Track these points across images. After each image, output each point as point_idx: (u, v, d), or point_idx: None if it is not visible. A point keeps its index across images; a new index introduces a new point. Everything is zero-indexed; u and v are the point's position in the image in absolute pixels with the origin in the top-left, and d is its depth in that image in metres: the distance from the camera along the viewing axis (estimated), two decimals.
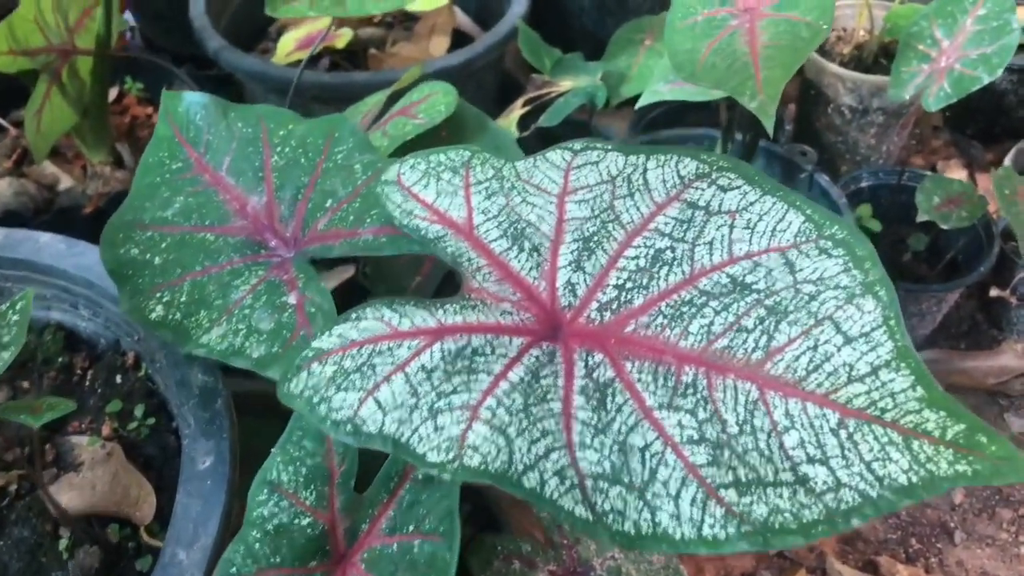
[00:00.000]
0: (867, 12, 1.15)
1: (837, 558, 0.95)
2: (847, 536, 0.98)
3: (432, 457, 0.36)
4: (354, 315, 0.41)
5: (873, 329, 0.37)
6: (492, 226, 0.45)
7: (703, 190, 0.43)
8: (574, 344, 0.41)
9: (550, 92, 0.93)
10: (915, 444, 0.34)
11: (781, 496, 0.34)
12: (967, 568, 0.95)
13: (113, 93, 1.17)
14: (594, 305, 0.42)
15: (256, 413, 0.67)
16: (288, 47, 1.15)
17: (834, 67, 1.12)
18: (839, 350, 0.37)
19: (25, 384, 0.69)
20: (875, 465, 0.34)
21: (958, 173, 1.31)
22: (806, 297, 0.38)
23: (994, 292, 1.04)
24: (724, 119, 0.85)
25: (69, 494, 0.63)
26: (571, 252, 0.44)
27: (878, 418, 0.35)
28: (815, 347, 0.37)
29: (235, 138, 0.58)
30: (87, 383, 0.69)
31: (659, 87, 0.77)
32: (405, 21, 1.25)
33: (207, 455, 0.56)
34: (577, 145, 0.47)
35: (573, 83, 0.94)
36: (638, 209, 0.44)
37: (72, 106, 1.01)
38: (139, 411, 0.66)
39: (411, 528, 0.47)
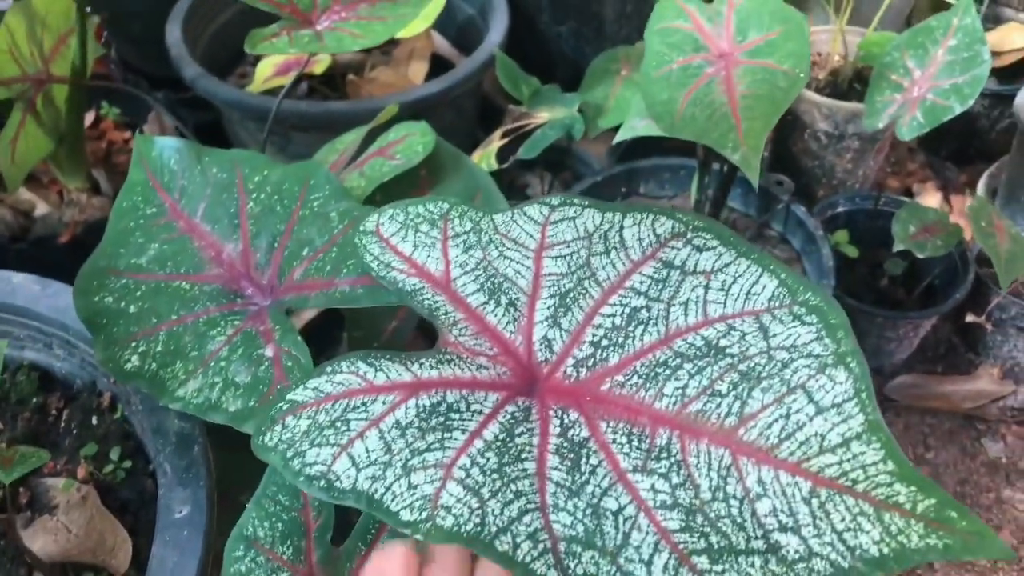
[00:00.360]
0: (841, 38, 1.16)
1: None
2: None
3: (406, 516, 0.35)
4: (329, 368, 0.40)
5: (844, 400, 0.37)
6: (469, 280, 0.45)
7: (679, 249, 0.43)
8: (550, 400, 0.40)
9: (528, 124, 0.94)
10: (886, 516, 0.34)
11: (753, 565, 0.34)
12: None
13: (89, 118, 1.16)
14: (570, 361, 0.42)
15: (234, 445, 0.66)
16: (266, 72, 1.15)
17: (810, 94, 1.13)
18: (811, 419, 0.37)
19: None
20: (847, 535, 0.34)
21: (933, 195, 1.33)
22: (779, 364, 0.38)
23: (970, 318, 1.05)
24: (700, 152, 0.85)
25: (44, 539, 0.62)
26: (548, 308, 0.43)
27: (850, 488, 0.35)
28: (787, 415, 0.37)
29: (210, 184, 0.58)
30: (62, 424, 0.68)
31: (635, 123, 0.78)
32: (384, 46, 1.25)
33: (183, 504, 0.56)
34: (555, 200, 0.47)
35: (550, 115, 0.94)
36: (614, 267, 0.44)
37: (47, 134, 1.00)
38: (115, 454, 0.65)
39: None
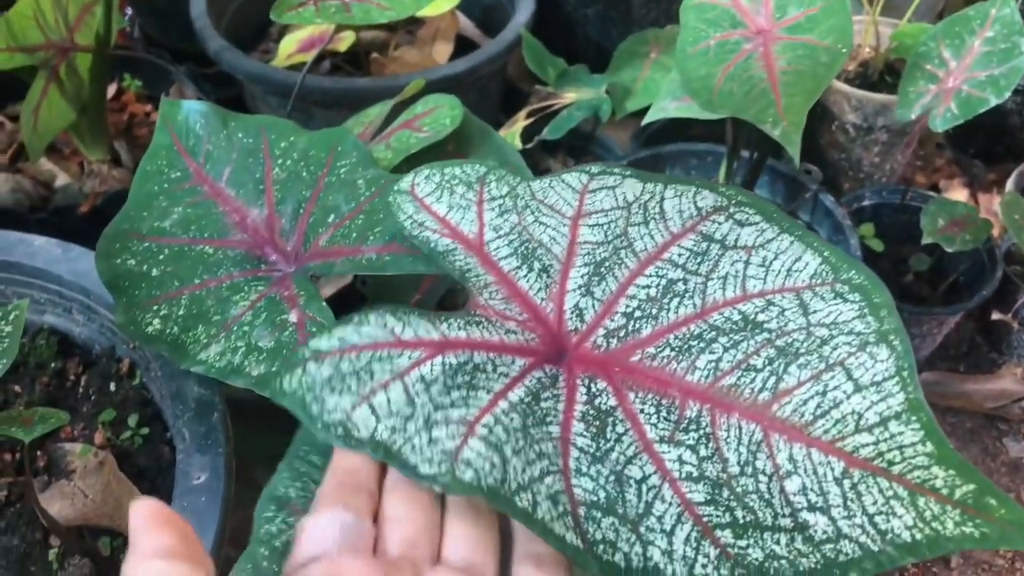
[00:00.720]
0: (873, 29, 1.15)
1: None
2: None
3: (424, 469, 0.35)
4: (356, 319, 0.39)
5: (885, 379, 0.36)
6: (503, 244, 0.44)
7: (720, 223, 0.42)
8: (578, 369, 0.40)
9: (554, 104, 0.92)
10: (921, 501, 0.33)
11: (778, 542, 0.33)
12: None
13: (111, 90, 1.15)
14: (601, 331, 0.41)
15: (249, 422, 0.66)
16: (290, 48, 1.14)
17: (840, 84, 1.11)
18: (848, 397, 0.36)
19: (17, 388, 0.68)
20: (878, 519, 0.33)
21: (960, 192, 1.31)
22: (818, 340, 0.37)
23: (996, 315, 1.03)
24: (730, 137, 0.84)
25: (60, 503, 0.62)
26: (581, 276, 0.43)
27: (884, 470, 0.34)
28: (824, 392, 0.36)
29: (235, 148, 0.57)
30: (80, 389, 0.68)
31: (665, 103, 0.76)
32: (408, 25, 1.24)
33: (202, 470, 0.55)
34: (594, 169, 0.46)
35: (577, 95, 0.93)
36: (652, 238, 0.43)
37: (70, 103, 1.00)
38: (133, 420, 0.65)
39: None
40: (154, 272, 0.53)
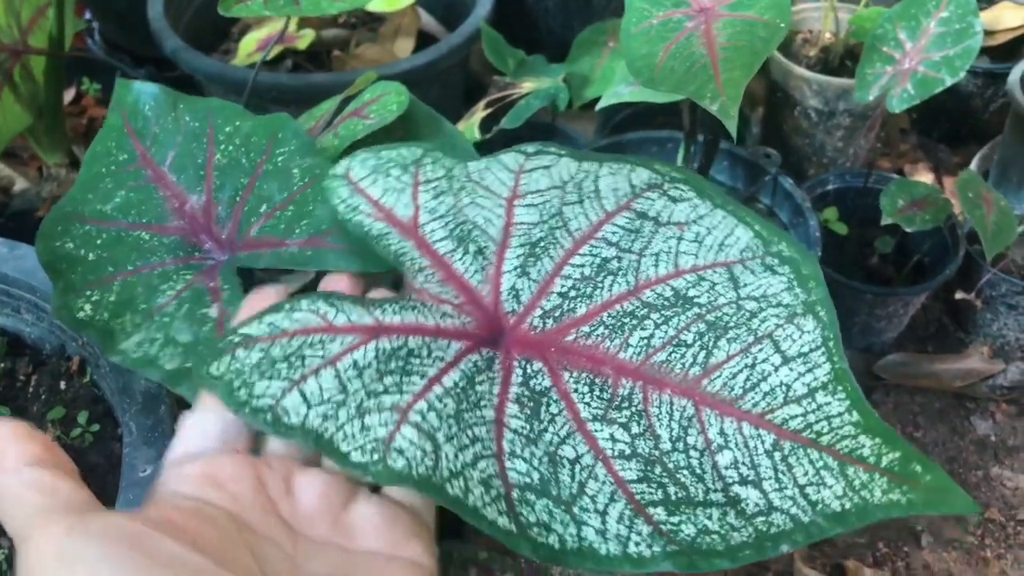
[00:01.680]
0: (832, 15, 1.15)
1: (804, 562, 0.94)
2: None
3: (356, 457, 0.34)
4: (287, 305, 0.38)
5: (812, 350, 0.36)
6: (438, 226, 0.43)
7: (654, 200, 0.42)
8: (515, 351, 0.39)
9: (512, 94, 0.92)
10: (850, 470, 0.33)
11: (711, 517, 0.33)
12: (934, 572, 0.94)
13: (71, 94, 1.15)
14: (537, 312, 0.40)
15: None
16: (250, 47, 1.13)
17: (800, 70, 1.12)
18: (776, 370, 0.36)
19: None
20: (809, 490, 0.33)
21: (925, 176, 1.31)
22: (747, 314, 0.37)
23: (959, 295, 1.04)
24: (687, 121, 0.84)
25: None
26: (517, 257, 0.42)
27: (813, 441, 0.34)
28: (753, 365, 0.36)
29: (181, 132, 0.56)
30: (30, 389, 0.67)
31: (620, 89, 0.76)
32: (369, 23, 1.24)
33: (148, 463, 0.55)
34: (531, 148, 0.46)
35: (535, 85, 0.93)
36: (587, 217, 0.42)
37: (26, 107, 0.99)
38: (83, 418, 0.64)
39: None
40: (91, 256, 0.52)
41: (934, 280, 1.00)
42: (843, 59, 1.17)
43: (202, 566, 0.28)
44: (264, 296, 0.40)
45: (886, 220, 0.93)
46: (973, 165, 1.23)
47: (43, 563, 0.27)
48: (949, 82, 0.90)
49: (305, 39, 1.13)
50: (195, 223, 0.53)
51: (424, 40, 1.21)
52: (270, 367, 0.36)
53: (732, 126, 0.50)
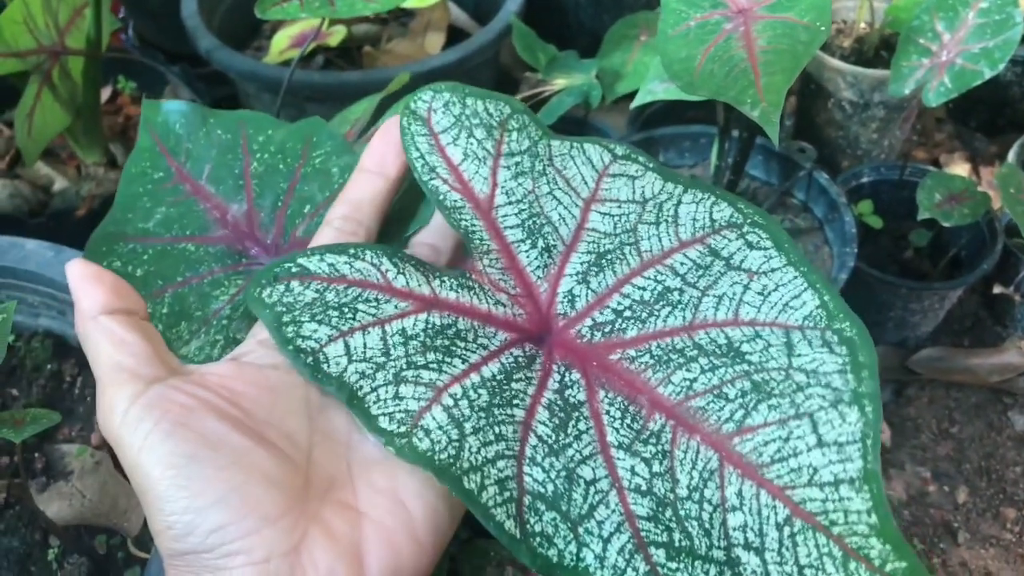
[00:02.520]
0: (868, 5, 1.14)
1: None
2: None
3: (383, 423, 0.34)
4: (352, 250, 0.39)
5: (849, 442, 0.35)
6: (512, 212, 0.43)
7: (730, 240, 0.41)
8: (557, 354, 0.39)
9: (544, 91, 0.92)
10: (852, 565, 0.33)
11: (707, 573, 0.33)
12: (971, 568, 0.94)
13: (106, 93, 1.16)
14: (588, 322, 0.40)
15: None
16: (282, 45, 1.14)
17: (834, 61, 1.11)
18: (809, 450, 0.35)
19: (14, 392, 0.69)
20: (807, 571, 0.33)
21: (961, 166, 1.30)
22: (795, 385, 0.37)
23: (998, 289, 1.02)
24: (721, 117, 0.83)
25: (58, 504, 0.62)
26: (581, 263, 0.42)
27: (825, 528, 0.34)
28: (787, 439, 0.36)
29: (214, 145, 0.57)
30: (76, 390, 0.68)
31: (653, 86, 0.76)
32: (400, 18, 1.24)
33: None
34: (618, 150, 0.45)
35: (567, 81, 0.92)
36: (660, 240, 0.42)
37: (64, 107, 1.00)
38: None
39: None
40: (138, 272, 0.53)
41: (971, 274, 0.99)
42: (878, 50, 1.15)
43: (241, 447, 0.31)
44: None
45: (923, 215, 0.92)
46: (1011, 155, 1.21)
47: (112, 420, 0.31)
48: (988, 75, 0.88)
49: (336, 36, 1.14)
50: (239, 231, 0.54)
51: (454, 34, 1.21)
52: (323, 311, 0.36)
53: (774, 133, 0.50)
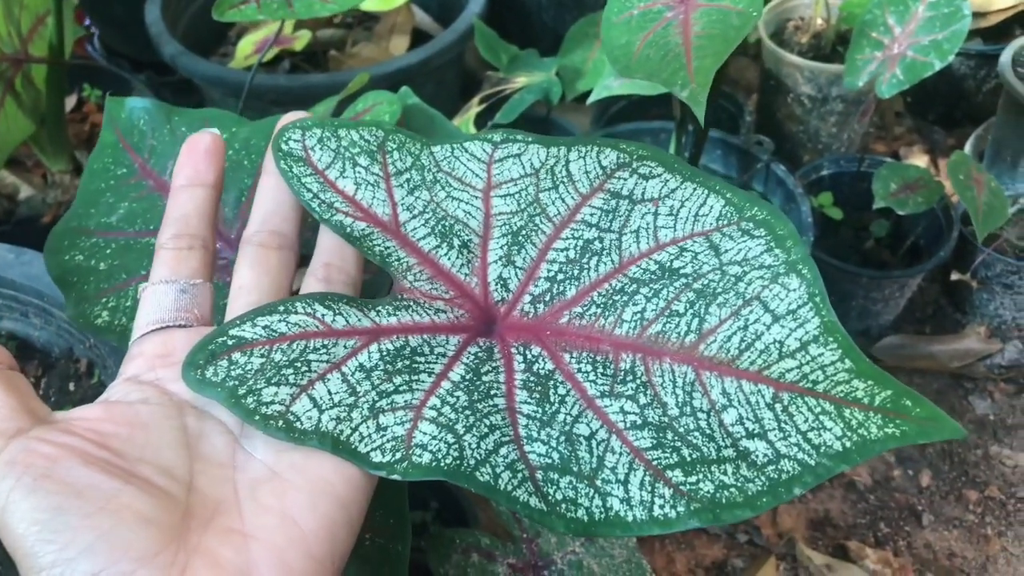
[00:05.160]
0: (824, 2, 1.16)
1: (806, 544, 0.96)
2: (816, 521, 0.99)
3: (377, 457, 0.35)
4: (281, 307, 0.39)
5: (800, 306, 0.38)
6: (419, 223, 0.44)
7: (625, 179, 0.43)
8: (510, 338, 0.40)
9: (506, 89, 0.93)
10: (846, 412, 0.35)
11: (726, 472, 0.35)
12: (935, 550, 0.96)
13: (72, 101, 1.16)
14: (527, 298, 0.42)
15: None
16: (247, 51, 1.15)
17: (792, 57, 1.13)
18: (768, 328, 0.37)
19: None
20: (811, 435, 0.35)
21: (920, 159, 1.32)
22: (733, 278, 0.39)
23: (955, 276, 1.05)
24: (677, 111, 0.85)
25: None
26: (500, 247, 0.43)
27: (810, 390, 0.36)
28: (745, 327, 0.38)
29: (179, 142, 0.58)
30: (40, 391, 0.68)
31: (609, 82, 0.77)
32: (365, 22, 1.25)
33: None
34: (497, 137, 0.46)
35: (528, 79, 0.94)
36: (564, 201, 0.43)
37: (28, 115, 1.00)
38: None
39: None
40: (101, 266, 0.54)
41: (928, 262, 1.01)
42: (835, 45, 1.18)
43: (109, 490, 0.30)
44: (176, 206, 0.43)
45: (878, 204, 0.95)
46: (967, 147, 1.24)
47: None
48: (938, 66, 0.91)
49: (301, 40, 1.14)
50: None
51: (419, 37, 1.22)
52: (276, 373, 0.36)
53: (700, 113, 0.52)
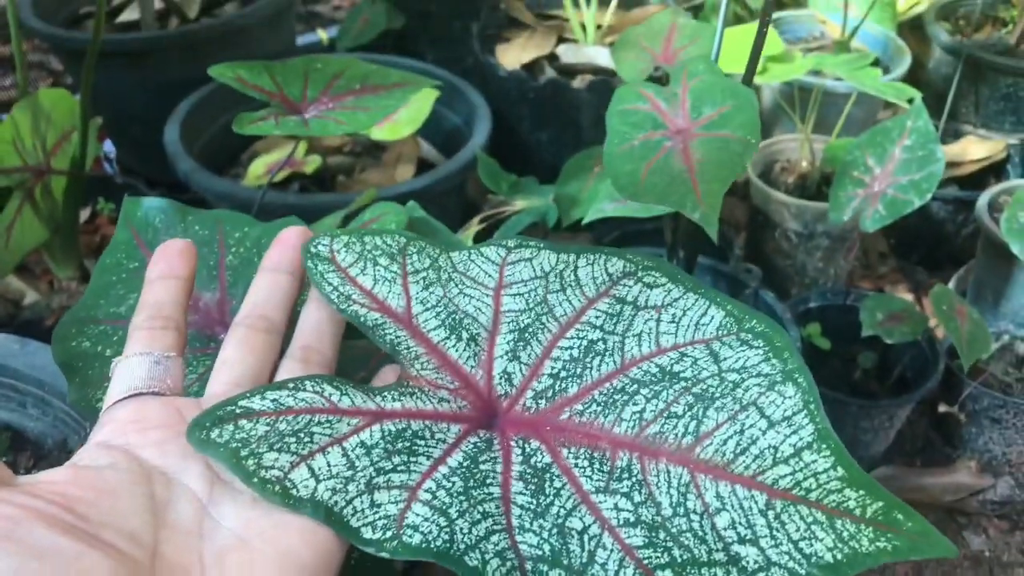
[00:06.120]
0: (808, 145, 1.23)
1: None
2: None
3: (367, 534, 0.35)
4: (291, 384, 0.40)
5: (795, 413, 0.38)
6: (430, 316, 0.46)
7: (630, 287, 0.45)
8: (510, 432, 0.41)
9: (505, 211, 0.98)
10: (838, 523, 0.35)
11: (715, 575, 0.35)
12: None
13: (86, 213, 1.21)
14: (530, 394, 0.43)
15: None
16: (259, 171, 1.20)
17: (780, 195, 1.18)
18: (764, 433, 0.38)
19: None
20: (802, 544, 0.35)
21: (905, 296, 1.36)
22: (731, 384, 0.40)
23: (943, 408, 1.06)
24: (668, 237, 0.89)
25: None
26: (507, 343, 0.45)
27: (803, 498, 0.36)
28: (741, 431, 0.39)
29: (192, 239, 0.60)
30: None
31: (604, 206, 0.81)
32: (373, 152, 1.31)
33: None
34: (511, 243, 0.49)
35: (527, 203, 0.98)
36: (570, 303, 0.45)
37: (43, 223, 1.04)
38: None
39: None
40: (108, 352, 0.55)
41: (916, 392, 1.03)
42: (820, 185, 1.24)
43: (71, 553, 0.30)
44: (152, 292, 0.45)
45: (866, 332, 0.97)
46: (951, 286, 1.28)
47: None
48: (917, 203, 0.96)
49: (312, 164, 1.20)
50: (209, 317, 0.56)
51: (424, 168, 1.28)
52: (279, 440, 0.37)
53: (713, 232, 0.54)
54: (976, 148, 1.39)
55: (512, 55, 1.28)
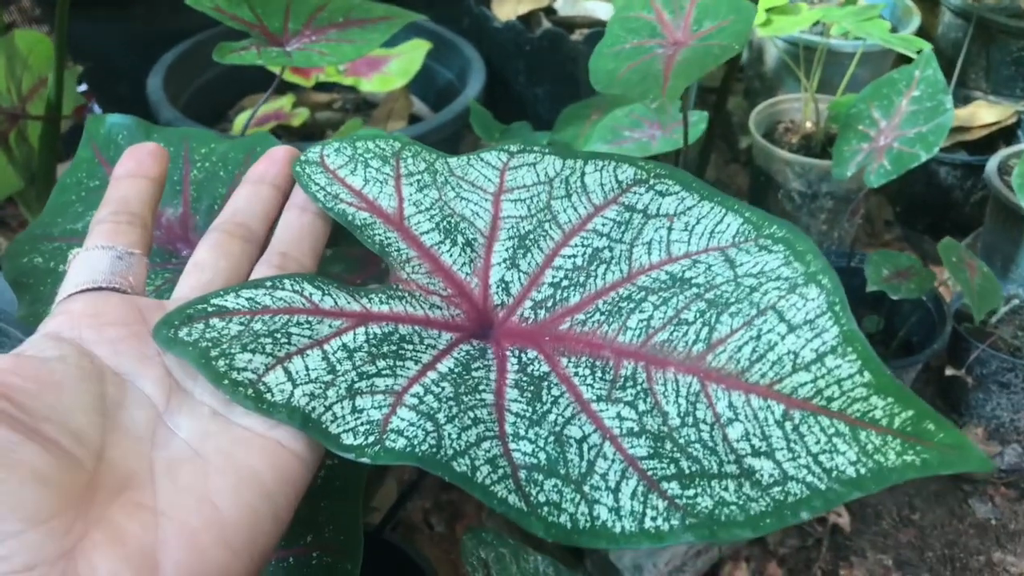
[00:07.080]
0: (812, 104, 1.19)
1: None
2: None
3: (347, 439, 0.33)
4: (268, 283, 0.37)
5: (818, 316, 0.35)
6: (424, 218, 0.43)
7: (641, 194, 0.42)
8: (506, 343, 0.39)
9: None
10: (862, 434, 0.32)
11: (727, 488, 0.32)
12: None
13: (65, 167, 1.17)
14: (528, 303, 0.40)
15: None
16: (244, 122, 1.16)
17: (782, 152, 1.15)
18: (783, 339, 0.35)
19: None
20: (822, 457, 0.32)
21: None
22: (747, 289, 0.37)
23: (949, 371, 1.02)
24: None
25: None
26: (506, 249, 0.42)
27: (824, 408, 0.33)
28: (758, 337, 0.35)
29: None
30: None
31: (596, 146, 0.78)
32: (363, 107, 1.28)
33: None
34: (513, 147, 0.46)
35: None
36: (575, 210, 0.43)
37: (18, 171, 1.00)
38: None
39: (309, 539, 0.42)
40: (61, 268, 0.52)
41: (922, 353, 0.99)
42: (824, 146, 1.20)
43: (6, 444, 0.28)
44: (119, 188, 0.41)
45: (871, 287, 0.93)
46: None
47: None
48: (924, 157, 0.92)
49: (299, 116, 1.16)
50: (172, 233, 0.53)
51: (416, 124, 1.25)
52: (253, 340, 0.35)
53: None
54: (985, 112, 1.35)
55: (508, 7, 1.25)
